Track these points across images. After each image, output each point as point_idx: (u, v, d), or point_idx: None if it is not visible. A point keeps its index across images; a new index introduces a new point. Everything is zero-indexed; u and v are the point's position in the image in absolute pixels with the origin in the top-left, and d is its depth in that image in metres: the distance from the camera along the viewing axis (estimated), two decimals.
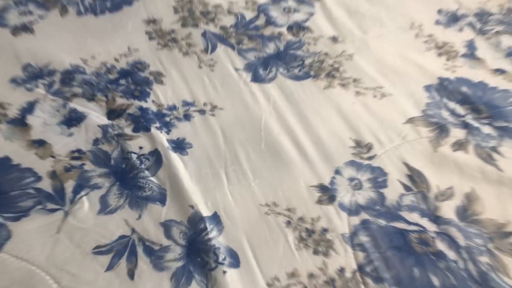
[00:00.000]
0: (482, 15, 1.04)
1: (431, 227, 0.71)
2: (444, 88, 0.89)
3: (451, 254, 0.68)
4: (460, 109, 0.85)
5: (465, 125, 0.83)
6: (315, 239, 0.70)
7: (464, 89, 0.88)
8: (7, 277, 0.65)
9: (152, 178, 0.76)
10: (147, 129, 0.81)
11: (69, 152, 0.79)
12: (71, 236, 0.70)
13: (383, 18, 1.03)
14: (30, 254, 0.68)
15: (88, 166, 0.77)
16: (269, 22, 1.02)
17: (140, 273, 0.67)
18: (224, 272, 0.67)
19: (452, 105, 0.86)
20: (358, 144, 0.81)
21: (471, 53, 0.96)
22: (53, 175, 0.76)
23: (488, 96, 0.87)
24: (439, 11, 1.05)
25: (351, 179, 0.77)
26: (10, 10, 1.03)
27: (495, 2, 1.07)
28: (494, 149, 0.80)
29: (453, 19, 1.03)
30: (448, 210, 0.73)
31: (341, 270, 0.68)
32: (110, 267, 0.67)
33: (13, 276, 0.66)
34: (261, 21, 1.02)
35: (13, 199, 0.73)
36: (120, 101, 0.86)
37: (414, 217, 0.72)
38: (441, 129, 0.82)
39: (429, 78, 0.91)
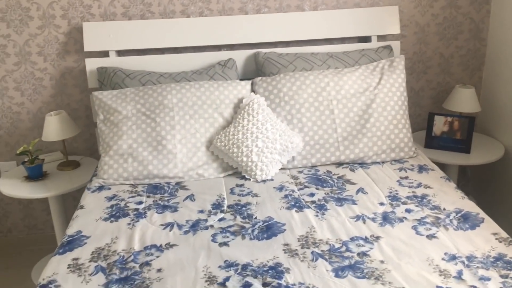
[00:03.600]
0: (470, 258, 1.85)
1: None
2: None
3: None
4: None
5: None
6: None
7: None
8: None
9: None
10: None
11: None
12: None
13: (410, 253, 1.88)
14: None
15: None
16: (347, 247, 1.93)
17: None
18: None
19: None
20: None
21: (459, 276, 1.74)
22: None
23: None
24: (445, 253, 1.88)
25: None
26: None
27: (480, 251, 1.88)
28: None
29: (452, 257, 1.85)
30: None
31: None
32: None
33: None
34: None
35: None
36: None
37: None
38: None
39: (430, 285, 1.70)
